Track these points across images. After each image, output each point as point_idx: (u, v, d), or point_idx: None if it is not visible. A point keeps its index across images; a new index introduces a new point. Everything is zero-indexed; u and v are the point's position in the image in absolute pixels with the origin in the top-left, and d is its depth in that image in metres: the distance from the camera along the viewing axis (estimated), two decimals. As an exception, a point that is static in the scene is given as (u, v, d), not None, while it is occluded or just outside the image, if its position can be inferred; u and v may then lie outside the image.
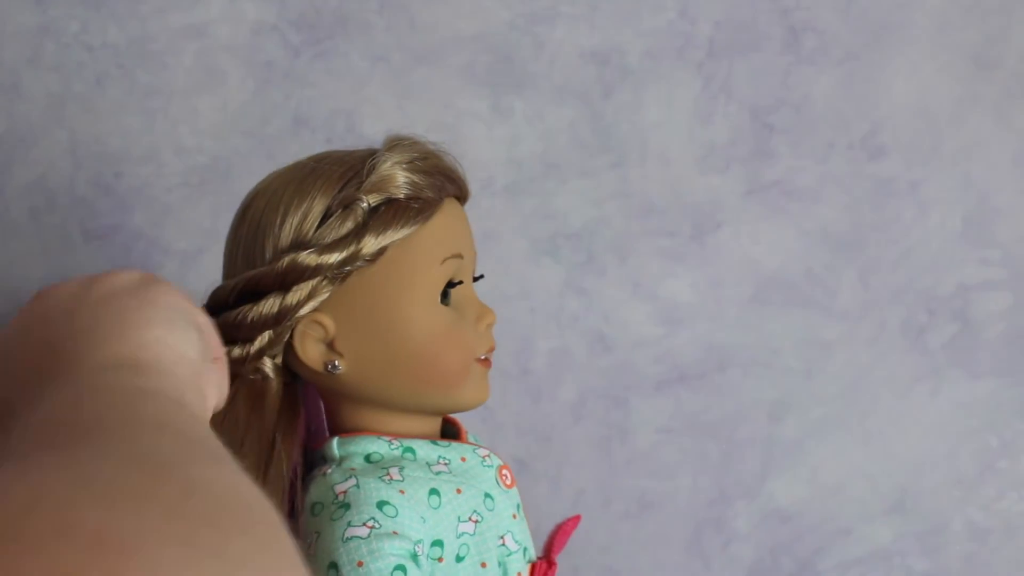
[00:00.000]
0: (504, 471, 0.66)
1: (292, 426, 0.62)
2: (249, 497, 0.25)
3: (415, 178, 0.60)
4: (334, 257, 0.58)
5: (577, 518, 0.71)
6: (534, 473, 1.00)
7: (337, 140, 0.97)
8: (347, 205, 0.59)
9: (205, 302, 0.62)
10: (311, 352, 0.60)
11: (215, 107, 0.98)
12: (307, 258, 0.58)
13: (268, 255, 0.60)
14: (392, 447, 0.62)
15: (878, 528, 1.01)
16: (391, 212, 0.59)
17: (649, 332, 1.00)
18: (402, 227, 0.59)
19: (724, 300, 1.00)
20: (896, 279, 1.00)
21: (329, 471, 0.61)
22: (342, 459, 0.61)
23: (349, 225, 0.59)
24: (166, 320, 0.42)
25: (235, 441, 0.58)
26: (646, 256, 1.00)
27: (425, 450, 0.63)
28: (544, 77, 0.99)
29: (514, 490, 0.66)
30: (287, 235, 0.59)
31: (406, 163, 0.60)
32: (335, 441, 0.62)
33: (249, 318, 0.59)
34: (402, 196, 0.60)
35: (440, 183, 0.62)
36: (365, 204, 0.59)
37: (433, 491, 0.60)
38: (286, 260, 0.58)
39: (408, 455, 0.62)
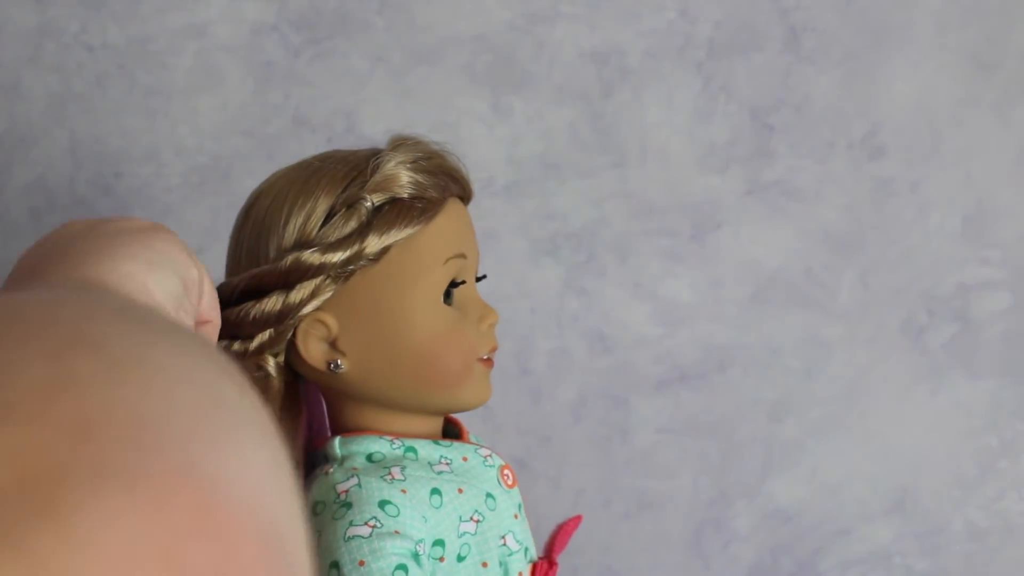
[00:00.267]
0: (506, 471, 0.66)
1: (294, 425, 0.62)
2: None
3: (419, 178, 0.60)
4: (337, 256, 0.58)
5: (578, 518, 0.71)
6: (534, 473, 1.00)
7: (337, 140, 0.97)
8: (351, 204, 0.59)
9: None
10: (313, 351, 0.60)
11: (215, 107, 0.98)
12: (311, 257, 0.58)
13: (272, 253, 0.60)
14: (394, 447, 0.62)
15: (878, 528, 1.01)
16: (395, 212, 0.59)
17: (649, 332, 1.00)
18: (406, 227, 0.59)
19: (724, 300, 1.00)
20: (896, 279, 1.00)
21: (331, 470, 0.61)
22: (344, 458, 0.61)
23: (353, 224, 0.59)
24: (147, 261, 0.42)
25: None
26: (646, 256, 1.00)
27: (427, 450, 0.63)
28: (544, 77, 0.99)
29: (515, 490, 0.66)
30: (291, 234, 0.59)
31: (410, 163, 0.60)
32: (337, 440, 0.62)
33: (251, 315, 0.59)
34: (406, 196, 0.60)
35: (444, 183, 0.62)
36: (369, 203, 0.59)
37: (435, 491, 0.60)
38: (290, 259, 0.58)
39: (410, 455, 0.62)
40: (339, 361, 0.60)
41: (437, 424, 0.66)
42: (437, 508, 0.60)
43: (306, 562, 0.20)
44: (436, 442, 0.64)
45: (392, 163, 0.60)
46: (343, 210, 0.59)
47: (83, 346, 0.19)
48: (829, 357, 1.00)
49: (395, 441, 0.62)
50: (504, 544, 0.63)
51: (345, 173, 0.60)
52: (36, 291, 0.28)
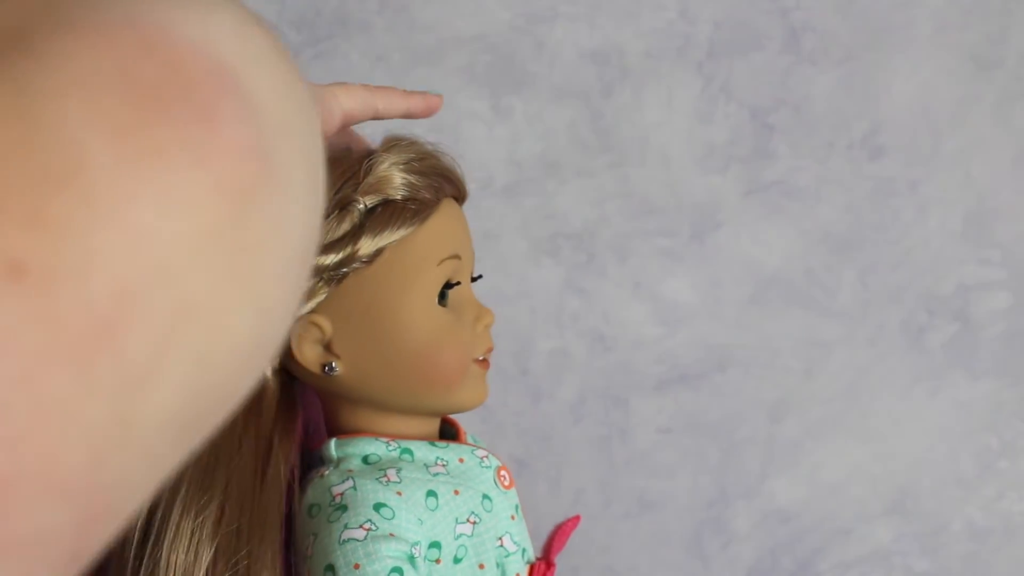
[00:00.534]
0: (502, 472, 0.65)
1: (290, 427, 0.62)
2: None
3: (412, 179, 0.60)
4: (331, 258, 0.58)
5: (576, 519, 0.71)
6: (534, 473, 1.00)
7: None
8: (344, 206, 0.59)
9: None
10: (308, 353, 0.60)
11: (215, 107, 0.98)
12: None
13: None
14: (390, 448, 0.62)
15: (878, 528, 1.01)
16: (388, 213, 0.59)
17: (649, 332, 1.00)
18: (399, 228, 0.59)
19: (724, 300, 1.00)
20: (896, 279, 1.00)
21: (327, 472, 0.61)
22: (340, 460, 0.61)
23: (346, 226, 0.59)
24: None
25: (232, 442, 0.58)
26: (646, 256, 1.00)
27: (423, 451, 0.63)
28: (544, 77, 0.98)
29: (512, 491, 0.66)
30: None
31: (403, 164, 0.60)
32: (333, 442, 0.62)
33: None
34: (399, 197, 0.60)
35: (437, 184, 0.62)
36: (362, 205, 0.59)
37: (431, 493, 0.60)
38: None
39: (406, 456, 0.62)
40: (333, 363, 0.60)
41: (433, 425, 0.66)
42: (433, 510, 0.59)
43: (268, 101, 0.22)
44: (432, 444, 0.64)
45: (385, 164, 0.60)
46: (336, 212, 0.59)
47: None
48: (829, 357, 1.00)
49: (391, 443, 0.62)
50: (501, 545, 0.63)
51: (338, 175, 0.60)
52: None
